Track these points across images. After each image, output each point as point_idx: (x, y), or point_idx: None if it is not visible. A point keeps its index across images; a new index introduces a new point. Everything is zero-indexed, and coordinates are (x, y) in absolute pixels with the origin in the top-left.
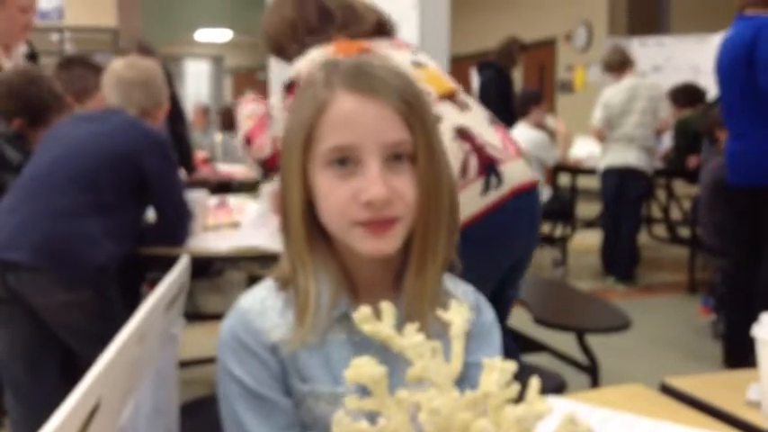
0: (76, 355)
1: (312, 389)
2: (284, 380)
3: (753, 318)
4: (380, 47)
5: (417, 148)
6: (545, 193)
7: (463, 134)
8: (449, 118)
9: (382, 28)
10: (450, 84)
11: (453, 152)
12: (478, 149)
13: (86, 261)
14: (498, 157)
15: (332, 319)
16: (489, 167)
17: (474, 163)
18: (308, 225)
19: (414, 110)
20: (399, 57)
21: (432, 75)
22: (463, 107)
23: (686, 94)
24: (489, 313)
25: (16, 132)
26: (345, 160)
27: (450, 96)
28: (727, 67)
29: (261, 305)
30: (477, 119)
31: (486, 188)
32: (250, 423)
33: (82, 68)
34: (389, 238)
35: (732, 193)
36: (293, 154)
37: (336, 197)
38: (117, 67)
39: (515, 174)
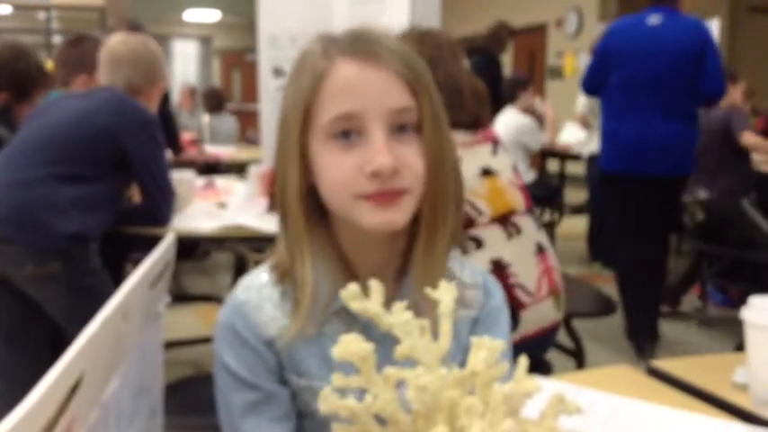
0: (59, 332)
1: (309, 384)
2: (280, 373)
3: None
4: (460, 142)
5: (422, 117)
6: (529, 176)
7: (499, 269)
8: (491, 248)
9: (478, 121)
10: (511, 201)
11: None
12: (507, 290)
13: (52, 230)
14: (525, 301)
15: (330, 312)
16: (510, 311)
17: None
18: (306, 210)
19: (417, 75)
20: (471, 159)
21: (496, 188)
22: (512, 233)
23: None
24: (498, 295)
25: (2, 106)
26: (348, 132)
27: (503, 219)
28: (664, 56)
29: (257, 297)
30: (523, 249)
31: None
32: (245, 415)
33: (92, 45)
34: (397, 209)
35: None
36: (290, 132)
37: (340, 171)
38: (109, 43)
39: (535, 318)
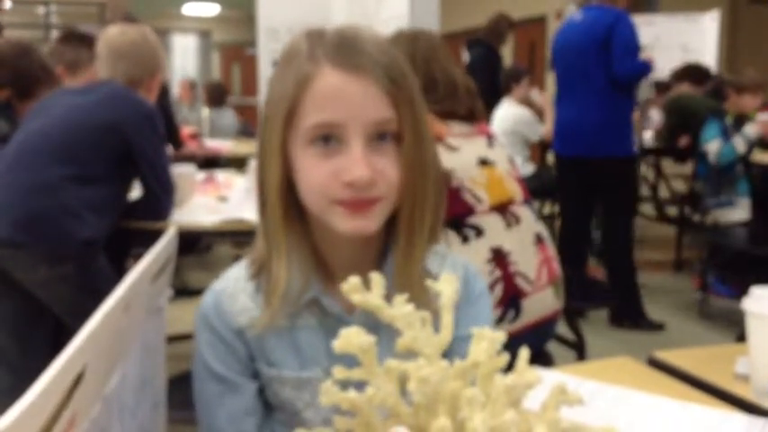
0: (65, 330)
1: (279, 373)
2: (250, 363)
3: None
4: (457, 133)
5: (403, 127)
6: (528, 169)
7: (499, 257)
8: (490, 235)
9: (472, 114)
10: (509, 191)
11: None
12: (508, 278)
13: (68, 235)
14: (526, 289)
15: (301, 304)
16: (512, 300)
17: (498, 292)
18: (285, 204)
19: (400, 88)
20: (469, 149)
21: (495, 177)
22: (511, 222)
23: (697, 73)
24: (479, 286)
25: (5, 103)
26: (328, 138)
27: (502, 207)
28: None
29: (233, 287)
30: (522, 238)
31: (501, 320)
32: (211, 404)
33: (77, 42)
34: (370, 216)
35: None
36: (274, 128)
37: (317, 175)
38: (108, 34)
39: (536, 307)
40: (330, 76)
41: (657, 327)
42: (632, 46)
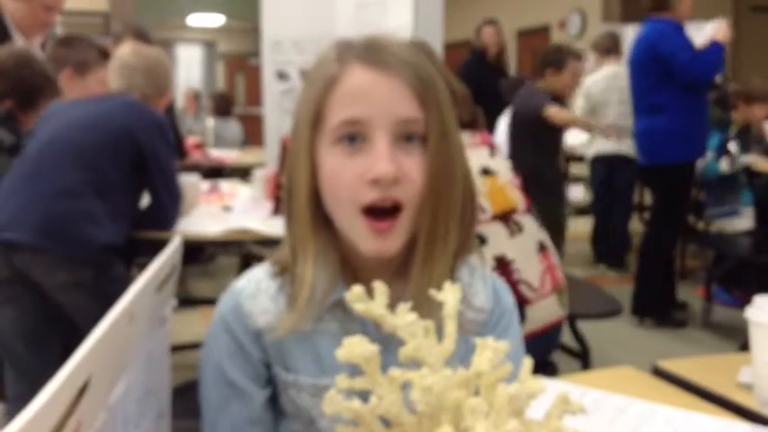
0: (80, 336)
1: (296, 379)
2: (263, 370)
3: None
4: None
5: (429, 129)
6: None
7: (502, 265)
8: (494, 244)
9: (474, 121)
10: (511, 200)
11: None
12: (511, 286)
13: (88, 241)
14: (529, 297)
15: (325, 307)
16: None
17: None
18: (313, 208)
19: (428, 88)
20: (471, 159)
21: (497, 187)
22: (514, 231)
23: None
24: (508, 300)
25: (6, 113)
26: (354, 136)
27: (505, 216)
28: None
29: (255, 288)
30: (525, 246)
31: None
32: (216, 408)
33: (82, 44)
34: (392, 237)
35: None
36: (302, 132)
37: (343, 175)
38: (123, 53)
39: (540, 315)
40: (358, 74)
41: (681, 323)
42: (682, 51)
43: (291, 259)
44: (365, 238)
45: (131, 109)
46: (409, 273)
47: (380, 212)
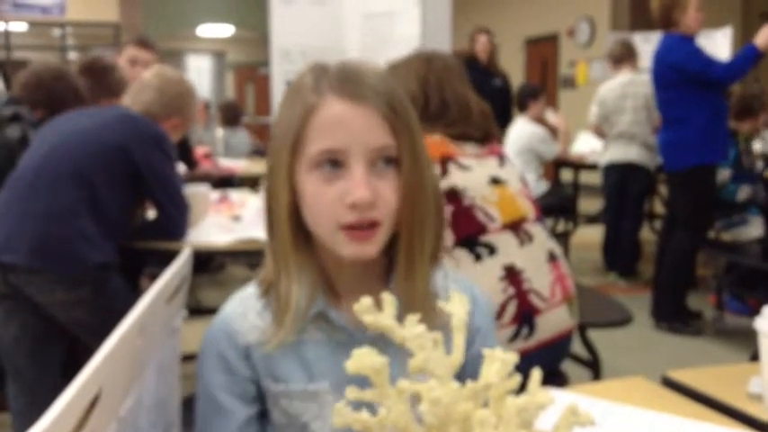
0: (79, 348)
1: (286, 388)
2: (250, 387)
3: None
4: (469, 153)
5: (402, 153)
6: (541, 187)
7: (512, 275)
8: (503, 253)
9: (487, 137)
10: (521, 209)
11: (495, 293)
12: (521, 296)
13: (84, 260)
14: (539, 306)
15: (307, 319)
16: (526, 317)
17: (512, 310)
18: (293, 227)
19: (399, 116)
20: (480, 170)
21: (506, 196)
22: (524, 240)
23: None
24: (485, 305)
25: (39, 121)
26: (332, 163)
27: (514, 226)
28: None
29: (243, 307)
30: (535, 255)
31: (515, 337)
32: (201, 423)
33: (112, 74)
34: (371, 243)
35: None
36: (281, 156)
37: (323, 199)
38: (146, 73)
39: (550, 325)
40: (334, 106)
41: (698, 332)
42: (701, 62)
43: (275, 275)
44: (346, 245)
45: (122, 124)
46: (390, 282)
47: (359, 227)
